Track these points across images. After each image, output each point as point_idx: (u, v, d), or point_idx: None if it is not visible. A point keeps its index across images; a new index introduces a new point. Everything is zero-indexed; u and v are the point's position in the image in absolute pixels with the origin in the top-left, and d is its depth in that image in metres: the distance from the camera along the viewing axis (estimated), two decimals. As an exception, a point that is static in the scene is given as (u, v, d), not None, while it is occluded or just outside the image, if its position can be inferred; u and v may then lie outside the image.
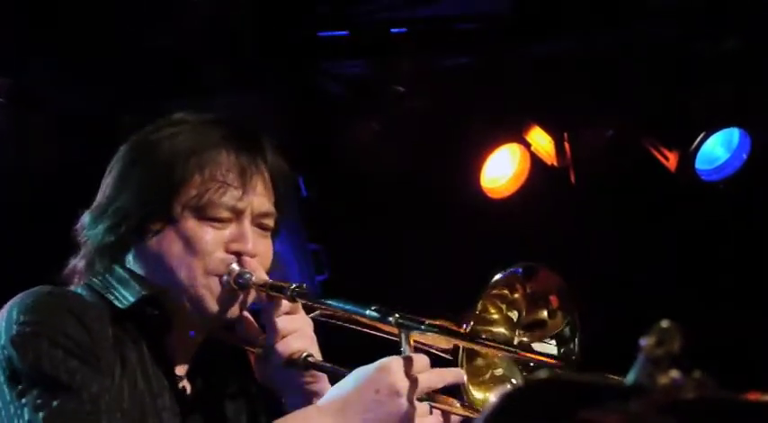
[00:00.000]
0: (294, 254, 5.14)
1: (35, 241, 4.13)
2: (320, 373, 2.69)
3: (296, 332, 2.68)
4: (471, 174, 5.09)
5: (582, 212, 5.34)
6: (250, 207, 2.70)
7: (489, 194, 5.15)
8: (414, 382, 2.50)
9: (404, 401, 2.48)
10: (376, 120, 5.09)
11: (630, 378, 1.49)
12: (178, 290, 2.66)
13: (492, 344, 2.67)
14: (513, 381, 2.72)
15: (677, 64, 5.09)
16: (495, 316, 2.75)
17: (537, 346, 2.75)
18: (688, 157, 5.04)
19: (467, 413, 2.56)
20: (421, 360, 2.54)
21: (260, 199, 2.72)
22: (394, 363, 2.51)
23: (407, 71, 5.05)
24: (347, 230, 5.27)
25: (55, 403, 2.41)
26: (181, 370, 2.74)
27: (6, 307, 2.57)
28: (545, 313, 2.76)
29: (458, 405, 2.55)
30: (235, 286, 2.66)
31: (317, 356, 2.68)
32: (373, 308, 2.64)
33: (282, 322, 2.68)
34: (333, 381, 2.67)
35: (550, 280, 2.75)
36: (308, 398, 2.68)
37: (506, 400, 1.42)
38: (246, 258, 2.68)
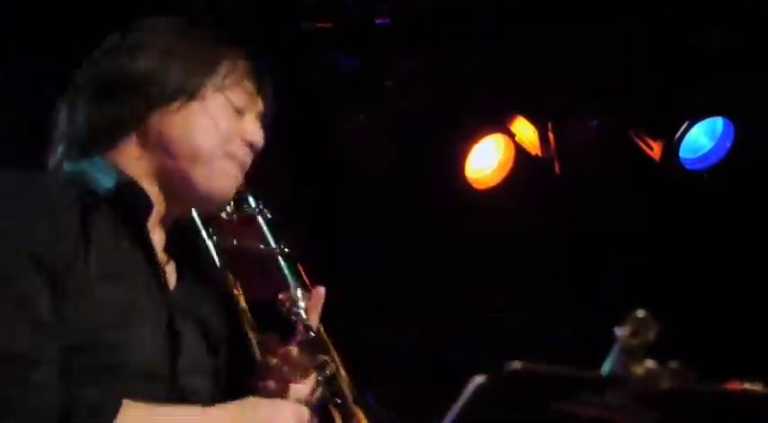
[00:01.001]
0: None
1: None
2: None
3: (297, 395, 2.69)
4: (456, 164, 5.09)
5: (567, 202, 5.35)
6: (258, 104, 2.82)
7: (474, 185, 5.15)
8: None
9: None
10: (362, 112, 5.09)
11: (606, 369, 1.49)
12: (195, 162, 2.68)
13: None
14: None
15: (661, 54, 5.09)
16: None
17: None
18: (672, 147, 5.04)
19: None
20: None
21: (263, 105, 2.85)
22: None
23: (393, 64, 5.04)
24: (333, 221, 5.27)
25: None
26: (158, 239, 2.73)
27: None
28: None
29: None
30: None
31: None
32: None
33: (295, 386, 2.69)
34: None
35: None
36: None
37: (479, 390, 1.41)
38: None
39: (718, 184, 5.26)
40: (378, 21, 4.99)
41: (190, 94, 2.69)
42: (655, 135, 5.10)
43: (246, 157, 2.77)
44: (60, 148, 2.72)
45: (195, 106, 2.70)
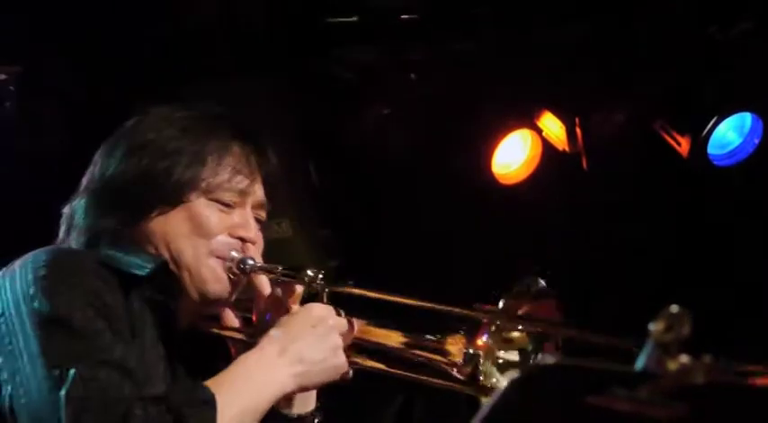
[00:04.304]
0: (305, 239, 5.13)
1: (43, 228, 4.14)
2: None
3: None
4: (482, 159, 5.08)
5: (593, 198, 5.33)
6: (254, 195, 2.80)
7: (500, 180, 5.14)
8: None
9: (334, 327, 2.66)
10: (387, 106, 5.08)
11: (639, 364, 1.48)
12: (181, 268, 2.71)
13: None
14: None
15: (690, 48, 5.06)
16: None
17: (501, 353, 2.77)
18: (700, 142, 5.02)
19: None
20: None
21: (261, 190, 2.83)
22: (315, 305, 2.68)
23: (418, 57, 5.04)
24: (359, 215, 5.27)
25: (86, 353, 2.44)
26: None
27: (16, 265, 2.60)
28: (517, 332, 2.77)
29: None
30: (237, 271, 2.73)
31: None
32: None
33: (291, 308, 2.73)
34: None
35: (549, 309, 2.78)
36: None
37: (515, 385, 1.41)
38: (249, 245, 2.76)
39: (746, 180, 5.23)
40: (403, 15, 4.99)
41: (173, 202, 2.72)
42: (683, 130, 5.07)
43: (237, 251, 2.75)
44: (82, 240, 2.77)
45: (176, 212, 2.72)
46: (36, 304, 2.49)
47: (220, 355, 2.82)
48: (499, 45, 5.06)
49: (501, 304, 2.69)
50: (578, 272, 5.39)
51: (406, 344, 2.75)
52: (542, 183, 5.17)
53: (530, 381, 1.43)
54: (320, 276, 2.73)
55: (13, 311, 2.51)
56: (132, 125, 2.84)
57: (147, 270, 2.66)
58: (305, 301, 2.75)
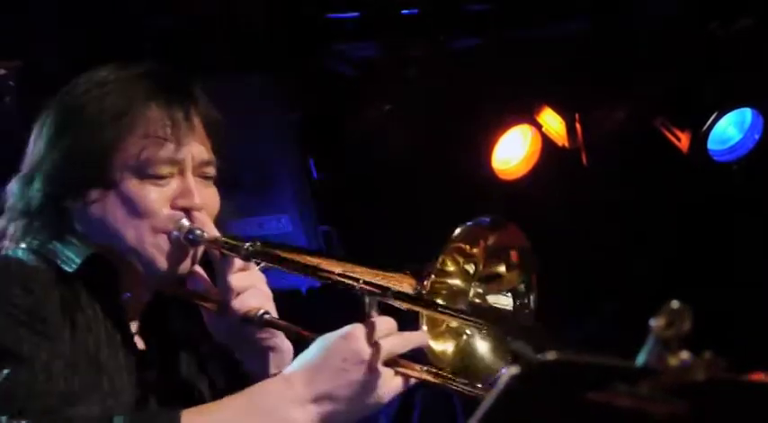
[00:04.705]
0: (305, 235, 5.13)
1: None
2: (267, 331, 2.65)
3: (251, 289, 2.63)
4: (482, 155, 5.08)
5: (593, 194, 5.32)
6: (189, 158, 2.63)
7: (500, 176, 5.14)
8: (378, 348, 2.46)
9: (369, 369, 2.45)
10: (387, 101, 5.08)
11: (640, 360, 1.48)
12: (126, 251, 2.61)
13: (449, 312, 2.65)
14: (468, 332, 2.71)
15: (690, 44, 5.06)
16: (452, 268, 2.74)
17: (491, 298, 2.74)
18: (700, 138, 5.02)
19: (428, 377, 2.57)
20: (385, 324, 2.50)
21: (198, 148, 2.65)
22: (358, 330, 2.47)
23: (419, 53, 5.03)
24: (358, 211, 5.26)
25: (6, 372, 2.37)
26: (133, 327, 2.70)
27: None
28: (503, 268, 2.75)
29: (419, 368, 2.56)
30: (185, 243, 2.61)
31: (273, 313, 2.64)
32: (337, 273, 2.60)
33: (236, 279, 2.62)
34: (288, 337, 2.67)
35: (514, 236, 2.74)
36: (264, 354, 2.65)
37: (513, 381, 1.40)
38: (195, 213, 2.62)
39: (746, 176, 5.23)
40: (404, 11, 4.99)
41: (104, 185, 2.60)
42: (683, 126, 5.07)
43: (184, 221, 2.60)
44: (19, 224, 2.67)
45: (109, 197, 2.60)
46: None
47: (192, 318, 2.73)
48: (500, 41, 5.06)
49: (456, 233, 2.65)
50: (578, 268, 5.39)
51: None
52: (542, 179, 5.17)
53: (530, 376, 1.42)
54: (256, 245, 2.61)
55: None
56: (59, 96, 2.71)
57: (75, 266, 2.58)
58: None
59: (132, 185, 2.59)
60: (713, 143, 5.08)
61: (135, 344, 2.67)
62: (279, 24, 4.88)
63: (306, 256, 2.71)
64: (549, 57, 5.08)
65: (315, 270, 2.66)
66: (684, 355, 1.48)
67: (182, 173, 2.62)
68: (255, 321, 2.61)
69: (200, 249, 2.65)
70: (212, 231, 2.63)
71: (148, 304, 2.74)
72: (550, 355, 1.41)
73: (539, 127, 5.14)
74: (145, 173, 2.59)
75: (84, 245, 2.62)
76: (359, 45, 5.09)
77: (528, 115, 5.15)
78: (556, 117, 5.16)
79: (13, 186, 2.68)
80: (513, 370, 1.41)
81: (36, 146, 2.67)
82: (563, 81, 5.13)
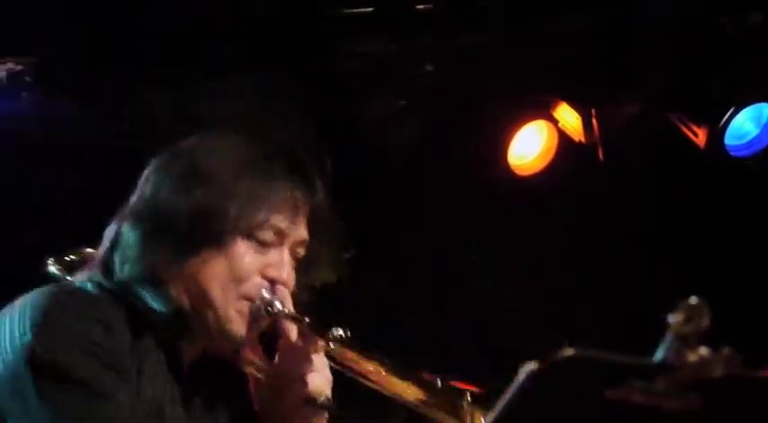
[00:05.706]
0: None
1: (61, 221, 4.15)
2: (322, 415, 2.72)
3: (321, 371, 2.70)
4: (498, 151, 5.07)
5: (610, 189, 5.31)
6: (294, 234, 2.71)
7: (516, 171, 5.12)
8: None
9: None
10: (402, 97, 5.07)
11: (658, 356, 1.47)
12: (207, 308, 2.65)
13: None
14: None
15: (706, 39, 5.05)
16: None
17: None
18: (717, 133, 5.00)
19: None
20: None
21: (303, 229, 2.74)
22: None
23: (433, 48, 5.02)
24: (372, 207, 5.26)
25: (90, 411, 2.43)
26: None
27: (15, 307, 2.55)
28: None
29: None
30: (263, 313, 2.67)
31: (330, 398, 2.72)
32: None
33: (309, 359, 2.69)
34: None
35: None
36: None
37: (531, 378, 1.40)
38: (279, 287, 2.68)
39: (763, 172, 5.21)
40: (417, 5, 4.98)
41: (218, 244, 2.64)
42: (699, 121, 5.06)
43: (266, 293, 2.66)
44: (118, 263, 2.69)
45: (214, 253, 2.64)
46: (33, 356, 2.46)
47: (238, 386, 2.78)
48: (514, 35, 5.05)
49: None
50: (593, 263, 5.38)
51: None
52: (558, 174, 5.16)
53: (547, 373, 1.42)
54: (346, 335, 2.68)
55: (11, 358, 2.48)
56: (189, 148, 2.75)
57: (155, 312, 2.62)
58: None
59: (238, 246, 2.65)
60: (730, 138, 5.06)
61: (193, 400, 2.70)
62: (287, 20, 4.87)
63: (380, 369, 2.74)
64: (564, 51, 5.06)
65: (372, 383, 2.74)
66: (703, 350, 1.47)
67: (280, 246, 2.69)
68: (319, 404, 2.68)
69: (266, 322, 2.70)
70: (291, 307, 2.69)
71: (197, 360, 2.76)
72: (568, 351, 1.41)
73: (555, 122, 5.13)
74: (252, 234, 2.66)
75: (162, 292, 2.65)
76: (371, 40, 5.08)
77: (544, 110, 5.13)
78: (572, 112, 5.15)
79: (128, 228, 2.68)
80: (531, 367, 1.40)
81: (153, 189, 2.69)
82: (579, 76, 5.12)
